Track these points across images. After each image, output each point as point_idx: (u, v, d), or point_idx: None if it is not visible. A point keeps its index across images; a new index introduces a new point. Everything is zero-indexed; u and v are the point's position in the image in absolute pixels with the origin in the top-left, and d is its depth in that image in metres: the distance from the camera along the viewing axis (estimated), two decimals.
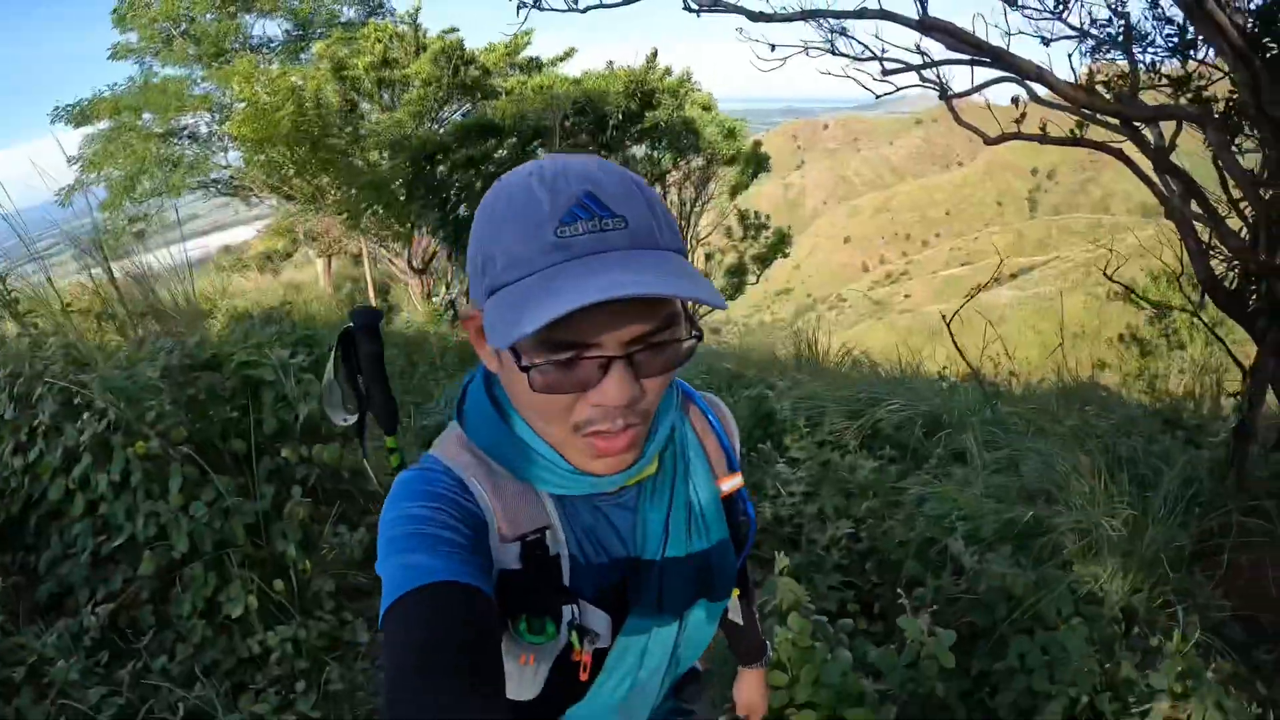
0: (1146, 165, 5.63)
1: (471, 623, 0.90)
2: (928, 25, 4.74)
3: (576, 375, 0.93)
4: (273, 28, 16.63)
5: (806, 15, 5.33)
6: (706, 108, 16.12)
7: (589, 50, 15.97)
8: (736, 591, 1.42)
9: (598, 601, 1.11)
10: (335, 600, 3.53)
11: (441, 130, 13.49)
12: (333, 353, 1.71)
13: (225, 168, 15.27)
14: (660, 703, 1.31)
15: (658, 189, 16.39)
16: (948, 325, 6.37)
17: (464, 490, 1.06)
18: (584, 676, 1.12)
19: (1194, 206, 5.76)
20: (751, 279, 17.44)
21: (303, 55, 16.39)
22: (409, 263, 14.36)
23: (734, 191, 16.91)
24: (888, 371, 7.95)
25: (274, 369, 3.79)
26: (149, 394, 3.50)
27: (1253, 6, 4.58)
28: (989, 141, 5.60)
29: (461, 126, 13.05)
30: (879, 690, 2.42)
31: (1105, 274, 6.87)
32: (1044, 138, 5.49)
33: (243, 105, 11.77)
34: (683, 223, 16.85)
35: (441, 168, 13.12)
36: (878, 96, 5.93)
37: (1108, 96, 5.25)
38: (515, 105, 13.32)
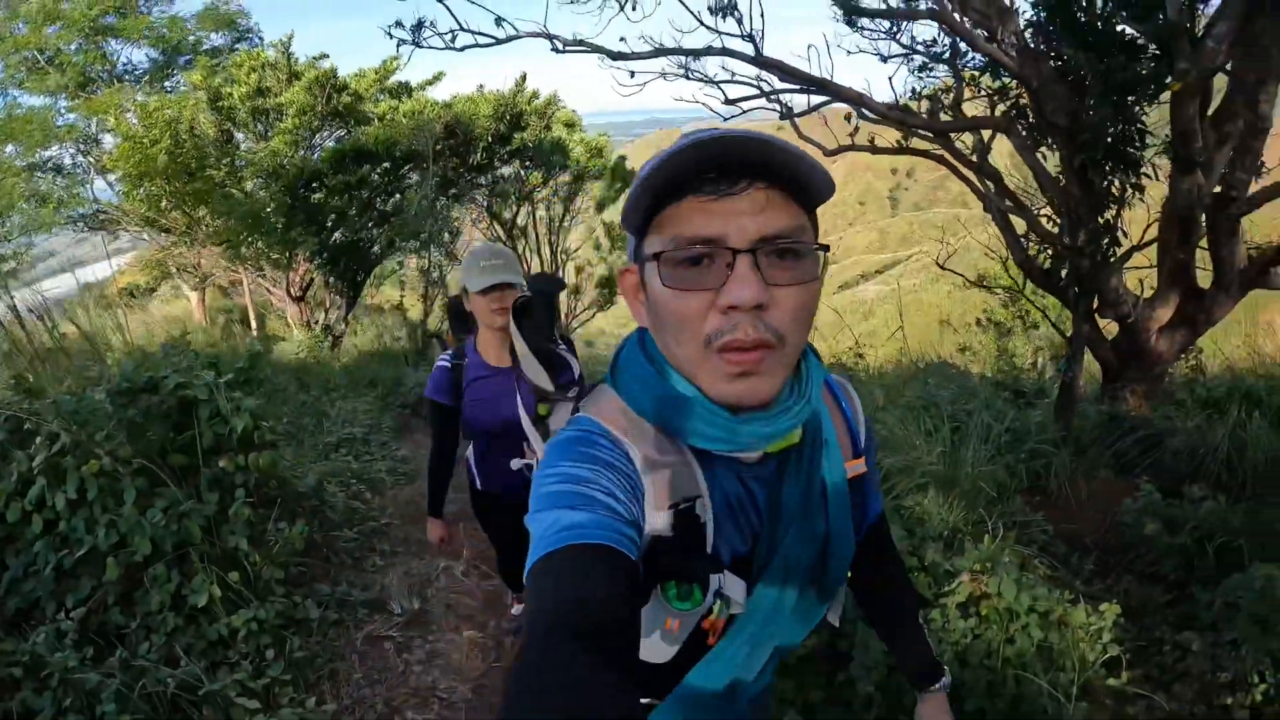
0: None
1: (613, 588, 0.90)
2: (762, 63, 5.58)
3: (705, 273, 0.98)
4: (138, 55, 16.38)
5: (659, 53, 6.09)
6: (571, 125, 16.65)
7: (458, 73, 16.31)
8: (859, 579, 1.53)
9: (731, 569, 1.13)
10: (284, 586, 3.98)
11: (316, 157, 13.61)
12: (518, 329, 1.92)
13: (94, 202, 14.99)
14: (759, 677, 1.30)
15: (526, 207, 16.71)
16: None
17: (624, 456, 1.09)
18: (712, 641, 1.15)
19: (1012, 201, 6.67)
20: None
21: (167, 83, 16.20)
22: (287, 290, 14.37)
23: (601, 206, 17.46)
24: None
25: (207, 388, 4.14)
26: (96, 417, 3.84)
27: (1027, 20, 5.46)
28: (828, 154, 6.41)
29: (336, 153, 13.21)
30: None
31: (939, 264, 7.74)
32: (873, 148, 6.33)
33: (116, 137, 11.66)
34: (552, 238, 17.25)
35: (318, 195, 13.23)
36: (725, 120, 6.68)
37: (923, 113, 6.10)
38: (387, 130, 13.56)
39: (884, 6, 6.44)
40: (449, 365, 3.13)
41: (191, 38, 16.38)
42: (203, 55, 14.96)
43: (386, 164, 13.89)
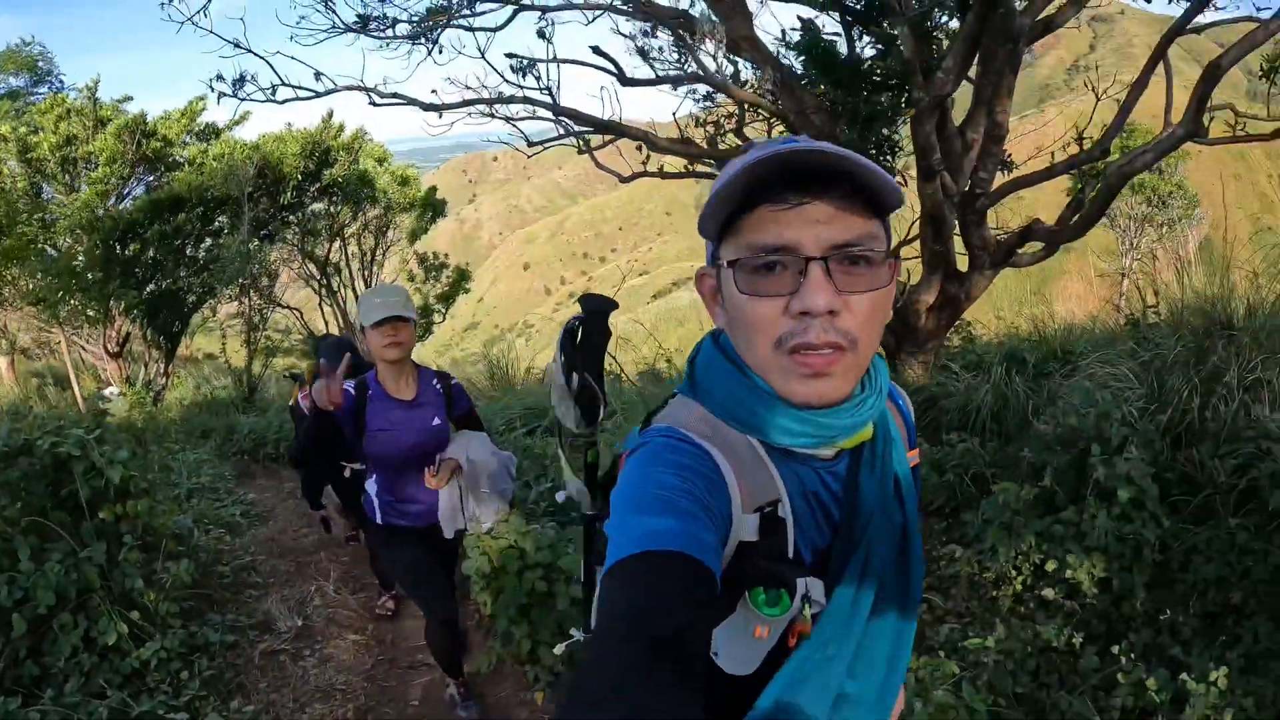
0: None
1: (685, 595, 0.89)
2: (559, 111, 6.39)
3: (779, 280, 0.99)
4: None
5: (468, 104, 6.77)
6: (381, 160, 16.83)
7: (265, 110, 16.24)
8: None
9: (811, 568, 1.12)
10: (180, 619, 4.36)
11: (128, 205, 13.33)
12: (559, 350, 1.61)
13: None
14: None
15: (336, 244, 16.70)
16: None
17: (710, 463, 1.07)
18: (792, 642, 1.10)
19: None
20: (438, 318, 18.05)
21: None
22: (104, 347, 13.96)
23: (413, 236, 17.63)
24: None
25: (79, 444, 4.37)
26: None
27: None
28: (623, 180, 7.24)
29: (152, 202, 12.98)
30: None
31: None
32: (662, 174, 7.18)
33: None
34: (365, 272, 17.21)
35: (134, 245, 12.97)
36: (530, 157, 7.47)
37: (703, 141, 6.95)
38: (198, 175, 13.41)
39: (656, 76, 7.43)
40: (353, 392, 3.28)
41: None
42: (3, 100, 14.30)
43: (199, 209, 13.70)
